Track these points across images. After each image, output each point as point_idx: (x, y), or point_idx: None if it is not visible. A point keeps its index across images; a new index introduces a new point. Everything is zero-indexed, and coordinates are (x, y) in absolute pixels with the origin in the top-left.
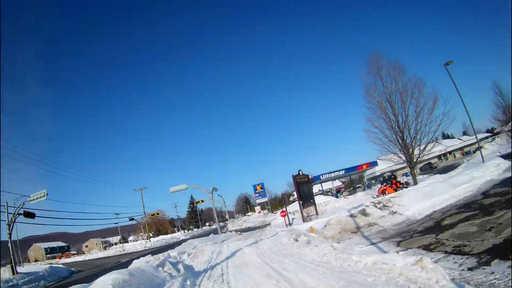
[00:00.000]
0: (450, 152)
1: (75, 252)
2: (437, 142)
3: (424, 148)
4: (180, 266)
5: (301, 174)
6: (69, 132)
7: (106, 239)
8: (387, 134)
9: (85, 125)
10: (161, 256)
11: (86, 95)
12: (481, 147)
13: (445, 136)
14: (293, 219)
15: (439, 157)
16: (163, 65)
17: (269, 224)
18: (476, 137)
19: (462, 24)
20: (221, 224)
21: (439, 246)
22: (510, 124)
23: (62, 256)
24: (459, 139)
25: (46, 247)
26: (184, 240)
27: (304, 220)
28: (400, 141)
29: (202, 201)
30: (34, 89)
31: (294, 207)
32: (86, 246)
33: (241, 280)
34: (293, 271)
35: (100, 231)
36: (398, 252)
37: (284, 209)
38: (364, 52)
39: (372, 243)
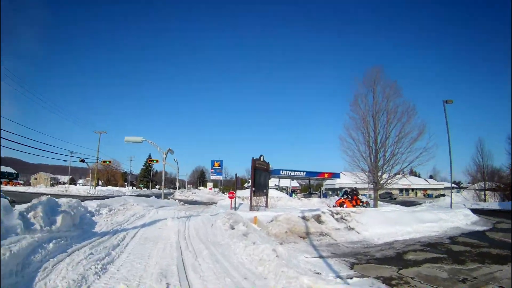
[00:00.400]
0: (412, 189)
1: (22, 182)
2: (404, 176)
3: (395, 175)
4: (59, 219)
5: (262, 160)
6: (48, 54)
7: (56, 176)
8: (361, 149)
9: (66, 52)
10: (65, 201)
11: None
12: (444, 194)
13: (412, 173)
14: (240, 204)
15: (401, 190)
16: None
17: (215, 203)
18: (451, 183)
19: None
20: (171, 190)
21: (403, 284)
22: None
23: (9, 183)
24: (426, 180)
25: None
26: (136, 195)
27: (252, 208)
28: (372, 160)
29: (157, 161)
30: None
31: (245, 193)
32: (35, 179)
33: (125, 267)
34: (205, 277)
35: (53, 167)
36: (351, 278)
37: (233, 190)
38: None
39: (321, 256)
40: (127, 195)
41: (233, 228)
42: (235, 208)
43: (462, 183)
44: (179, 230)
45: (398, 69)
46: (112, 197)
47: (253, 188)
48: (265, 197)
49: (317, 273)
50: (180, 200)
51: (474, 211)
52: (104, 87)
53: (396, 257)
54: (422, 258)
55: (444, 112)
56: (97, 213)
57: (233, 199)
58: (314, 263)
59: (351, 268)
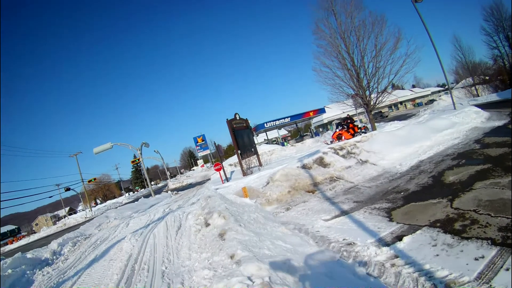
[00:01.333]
0: (401, 103)
1: (25, 234)
2: (391, 93)
3: (384, 90)
4: None
5: (237, 118)
6: None
7: (55, 213)
8: (340, 74)
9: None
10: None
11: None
12: (433, 99)
13: (395, 87)
14: (232, 172)
15: (389, 107)
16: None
17: (209, 179)
18: (447, 80)
19: None
20: (166, 182)
21: (472, 225)
22: (469, 78)
23: (13, 240)
24: (411, 90)
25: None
26: (133, 201)
27: (245, 173)
28: (355, 81)
29: (138, 159)
30: None
31: (235, 158)
32: (36, 225)
33: None
34: None
35: (50, 205)
36: (400, 239)
37: (218, 161)
38: None
39: (343, 212)
40: (126, 202)
41: (207, 225)
42: (227, 180)
43: (446, 85)
44: (130, 256)
45: None
46: (104, 212)
47: (239, 151)
48: (255, 155)
49: (350, 243)
50: (174, 189)
51: (479, 107)
52: (59, 107)
53: (434, 183)
54: (466, 177)
55: (418, 12)
56: (55, 256)
57: (221, 171)
58: (338, 227)
59: (390, 219)
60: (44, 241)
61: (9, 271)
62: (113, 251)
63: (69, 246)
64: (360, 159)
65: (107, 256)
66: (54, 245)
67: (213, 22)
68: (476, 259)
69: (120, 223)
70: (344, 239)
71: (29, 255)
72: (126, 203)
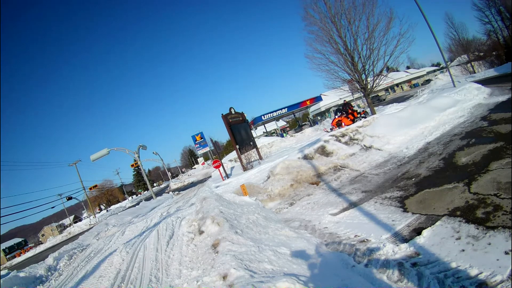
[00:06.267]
0: (397, 85)
1: (32, 245)
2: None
3: (380, 72)
4: None
5: (233, 112)
6: None
7: (60, 222)
8: (332, 60)
9: None
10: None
11: None
12: (430, 79)
13: (390, 70)
14: (232, 168)
15: (386, 90)
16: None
17: (210, 176)
18: (444, 58)
19: None
20: (168, 183)
21: (496, 212)
22: (464, 55)
23: (21, 252)
24: (406, 71)
25: (4, 248)
26: (134, 205)
27: (245, 168)
28: (350, 66)
29: (137, 163)
30: None
31: (235, 153)
32: (43, 235)
33: None
34: None
35: (56, 215)
36: (419, 232)
37: (216, 158)
38: None
39: (352, 204)
40: (129, 206)
41: (201, 233)
42: (227, 176)
43: (441, 63)
44: (118, 273)
45: None
46: (104, 220)
47: (237, 146)
48: (254, 149)
49: (363, 240)
50: (175, 190)
51: (479, 83)
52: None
53: (446, 166)
54: (480, 157)
55: None
56: (49, 272)
57: (220, 168)
58: (347, 222)
59: (404, 209)
60: (50, 252)
61: None
62: (104, 266)
63: (65, 259)
64: (364, 145)
65: (97, 272)
66: (50, 259)
67: (202, 17)
68: (506, 253)
69: (116, 232)
70: (355, 236)
71: (22, 274)
72: (129, 207)
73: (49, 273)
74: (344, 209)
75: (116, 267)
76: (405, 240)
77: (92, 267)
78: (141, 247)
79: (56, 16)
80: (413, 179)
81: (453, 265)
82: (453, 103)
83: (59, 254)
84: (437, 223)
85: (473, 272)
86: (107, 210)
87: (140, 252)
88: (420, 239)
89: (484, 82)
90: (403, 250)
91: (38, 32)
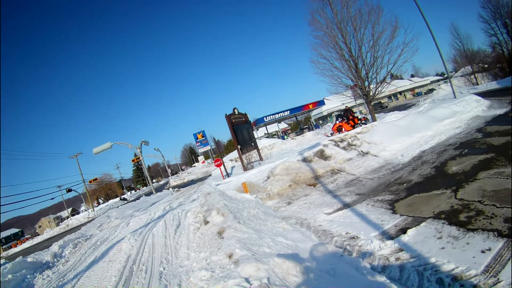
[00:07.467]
0: (400, 93)
1: (29, 236)
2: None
3: (383, 80)
4: None
5: (236, 112)
6: None
7: (58, 214)
8: (337, 65)
9: None
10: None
11: None
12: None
13: (394, 77)
14: (232, 167)
15: (389, 97)
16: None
17: (210, 174)
18: (446, 69)
19: None
20: (167, 179)
21: (477, 217)
22: (468, 67)
23: (17, 243)
24: (409, 80)
25: (1, 238)
26: (135, 200)
27: (245, 168)
28: (354, 72)
29: (138, 158)
30: None
31: (236, 153)
32: (40, 227)
33: None
34: None
35: (53, 207)
36: (405, 232)
37: (218, 157)
38: None
39: (346, 205)
40: (129, 200)
41: (206, 223)
42: (228, 175)
43: (445, 74)
44: (129, 257)
45: None
46: (106, 212)
47: (239, 146)
48: (255, 150)
49: (353, 237)
50: (175, 186)
51: (479, 95)
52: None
53: (437, 174)
54: (470, 167)
55: (414, 0)
56: (55, 259)
57: (221, 167)
58: (340, 221)
59: (393, 211)
60: (47, 243)
61: (10, 276)
62: (112, 252)
63: (70, 247)
64: (361, 151)
65: (106, 257)
66: (55, 247)
67: (208, 17)
68: (482, 251)
69: (121, 223)
70: (347, 233)
71: (29, 259)
72: (129, 200)
73: (55, 259)
74: (338, 209)
75: (126, 252)
76: (391, 238)
77: (101, 253)
78: (149, 235)
79: (75, 7)
80: (404, 185)
81: (433, 260)
82: (451, 114)
83: (63, 242)
84: (422, 224)
85: (450, 266)
86: (105, 203)
87: (149, 239)
88: (405, 237)
89: (485, 94)
90: (389, 246)
91: (49, 24)
